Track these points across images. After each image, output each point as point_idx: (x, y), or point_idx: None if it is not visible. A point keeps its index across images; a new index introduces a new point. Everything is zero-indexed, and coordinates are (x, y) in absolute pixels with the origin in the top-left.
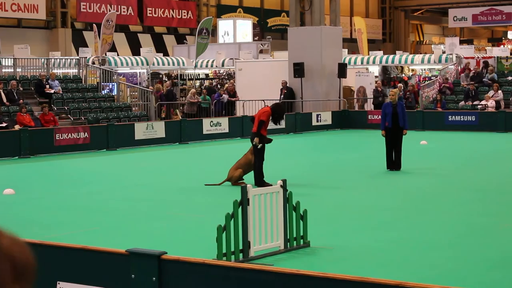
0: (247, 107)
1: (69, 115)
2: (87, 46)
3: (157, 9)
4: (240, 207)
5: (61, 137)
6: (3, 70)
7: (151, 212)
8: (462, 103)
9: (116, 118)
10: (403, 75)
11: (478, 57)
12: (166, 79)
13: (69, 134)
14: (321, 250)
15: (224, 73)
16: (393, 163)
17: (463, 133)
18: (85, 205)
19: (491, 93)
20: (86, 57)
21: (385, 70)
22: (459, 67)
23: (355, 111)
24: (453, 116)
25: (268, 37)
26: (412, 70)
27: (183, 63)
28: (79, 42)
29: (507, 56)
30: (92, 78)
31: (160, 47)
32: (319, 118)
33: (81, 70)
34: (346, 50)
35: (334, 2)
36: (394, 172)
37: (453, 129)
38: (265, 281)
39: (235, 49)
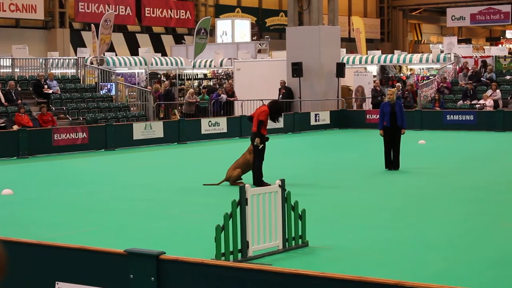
0: (245, 107)
1: (67, 115)
2: (85, 46)
3: (155, 9)
4: (239, 207)
5: (60, 137)
6: (1, 70)
7: (149, 212)
8: (460, 102)
9: (115, 118)
10: (401, 74)
11: (476, 57)
12: (165, 79)
13: (68, 134)
14: (319, 249)
15: (222, 73)
16: (392, 162)
17: (461, 133)
18: (84, 205)
19: (489, 92)
20: (84, 57)
21: (383, 69)
22: (457, 67)
23: (353, 110)
24: (451, 116)
25: (266, 36)
26: (410, 69)
27: (181, 63)
28: (77, 42)
29: (505, 55)
30: (90, 78)
31: (158, 47)
32: (317, 118)
33: (79, 70)
34: (344, 50)
35: (332, 2)
36: (392, 172)
37: (451, 128)
38: (263, 281)
39: (233, 49)
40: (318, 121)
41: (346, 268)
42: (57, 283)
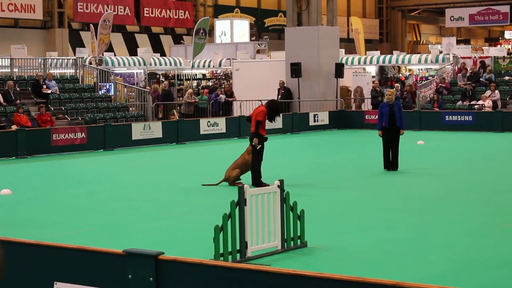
0: (244, 107)
1: (66, 115)
2: (84, 46)
3: (154, 9)
4: (237, 207)
5: (58, 137)
6: (0, 70)
7: (148, 212)
8: (459, 103)
9: (113, 118)
10: (400, 75)
11: (475, 57)
12: (163, 79)
13: (66, 134)
14: (318, 250)
15: (221, 73)
16: (390, 163)
17: (460, 133)
18: (83, 205)
19: (488, 93)
20: (83, 57)
21: (382, 70)
22: (456, 67)
23: (352, 111)
24: (450, 116)
25: (265, 37)
26: (409, 70)
27: (180, 63)
28: (76, 42)
29: (504, 56)
30: (89, 78)
31: (157, 47)
32: (316, 118)
33: (78, 70)
34: (343, 50)
35: (331, 2)
36: (391, 172)
37: (450, 129)
38: (262, 282)
39: (232, 49)
40: (317, 121)
41: (344, 269)
42: (56, 283)
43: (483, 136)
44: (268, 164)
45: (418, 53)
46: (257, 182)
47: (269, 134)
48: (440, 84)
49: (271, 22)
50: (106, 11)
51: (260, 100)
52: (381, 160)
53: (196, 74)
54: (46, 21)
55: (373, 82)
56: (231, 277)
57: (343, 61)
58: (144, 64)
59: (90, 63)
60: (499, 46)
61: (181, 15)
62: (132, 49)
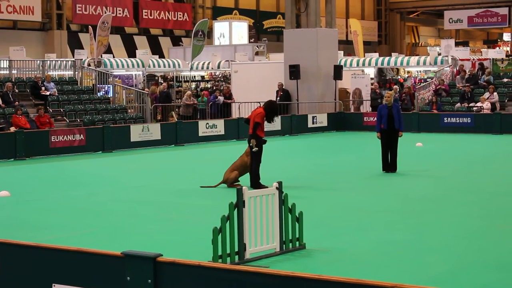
0: (242, 109)
1: (64, 117)
2: (82, 48)
3: (152, 11)
4: (236, 209)
5: (57, 139)
6: None
7: (147, 214)
8: (458, 105)
9: (112, 120)
10: (399, 77)
11: (473, 59)
12: (162, 81)
13: (65, 136)
14: (316, 252)
15: (220, 75)
16: (389, 165)
17: (458, 135)
18: (81, 207)
19: (486, 95)
20: (82, 59)
21: (380, 72)
22: (455, 69)
23: (350, 113)
24: (449, 118)
25: (264, 39)
26: (408, 72)
27: (178, 65)
28: (75, 44)
29: (502, 58)
30: (88, 80)
31: (156, 49)
32: (315, 120)
33: (76, 72)
34: (341, 52)
35: (330, 4)
36: (389, 174)
37: (449, 131)
38: (260, 283)
39: (231, 51)
40: (316, 123)
41: (343, 271)
42: (54, 285)
43: (482, 138)
44: (267, 166)
45: (416, 55)
46: (255, 184)
47: (267, 136)
48: (438, 86)
49: (269, 24)
50: (105, 13)
51: (259, 102)
52: (380, 162)
53: (194, 76)
54: (45, 23)
55: (373, 84)
56: (230, 279)
57: (342, 63)
58: (143, 66)
59: (89, 65)
60: (497, 48)
61: (180, 17)
62: (131, 51)
